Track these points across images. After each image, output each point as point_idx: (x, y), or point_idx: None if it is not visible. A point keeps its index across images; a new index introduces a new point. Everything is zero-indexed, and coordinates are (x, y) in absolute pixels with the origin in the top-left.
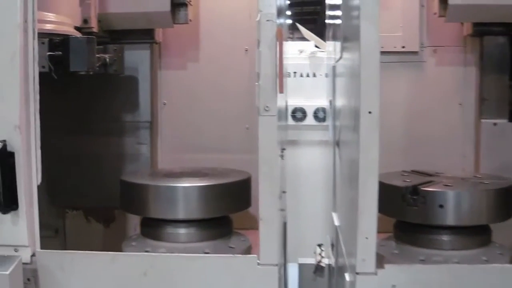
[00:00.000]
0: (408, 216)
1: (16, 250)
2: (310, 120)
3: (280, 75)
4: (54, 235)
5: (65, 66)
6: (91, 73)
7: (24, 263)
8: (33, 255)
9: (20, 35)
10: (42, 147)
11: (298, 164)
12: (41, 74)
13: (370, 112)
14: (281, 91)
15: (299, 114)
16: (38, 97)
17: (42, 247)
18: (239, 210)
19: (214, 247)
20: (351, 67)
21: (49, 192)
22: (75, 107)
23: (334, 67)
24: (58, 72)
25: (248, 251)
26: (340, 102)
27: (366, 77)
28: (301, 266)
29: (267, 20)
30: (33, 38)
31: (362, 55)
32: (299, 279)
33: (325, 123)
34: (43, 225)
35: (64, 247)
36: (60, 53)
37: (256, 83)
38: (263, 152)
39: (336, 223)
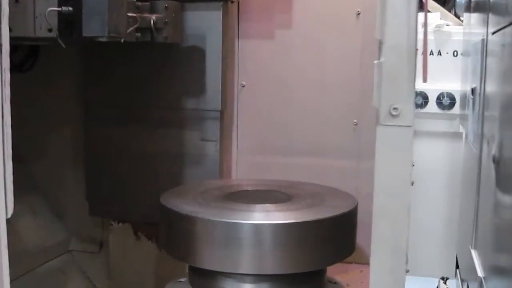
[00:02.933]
0: None
1: None
2: (432, 107)
3: (425, 55)
4: (97, 250)
5: (76, 29)
6: (121, 40)
7: None
8: None
9: None
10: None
11: (415, 161)
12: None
13: None
14: (425, 80)
15: (418, 99)
16: (8, 91)
17: (84, 265)
18: (338, 260)
19: None
20: None
21: (89, 198)
22: (120, 91)
23: (483, 44)
24: (68, 38)
25: None
26: (494, 87)
27: None
28: None
29: None
30: None
31: None
32: None
33: (450, 112)
34: (85, 238)
35: (108, 267)
36: (71, 9)
37: (376, 62)
38: (382, 190)
39: (480, 272)
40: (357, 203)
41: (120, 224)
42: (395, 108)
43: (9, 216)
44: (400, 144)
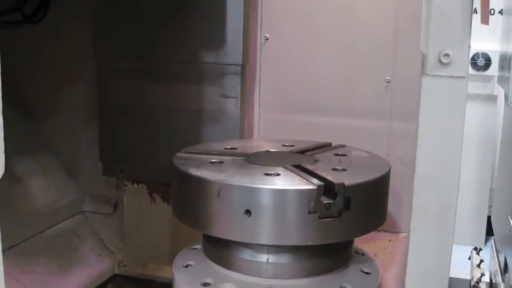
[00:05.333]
0: None
1: None
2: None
3: None
4: (111, 211)
5: None
6: None
7: None
8: None
9: None
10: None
11: None
12: None
13: None
14: (486, 21)
15: None
16: None
17: (97, 226)
18: (368, 231)
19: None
20: None
21: (103, 157)
22: (134, 43)
23: None
24: None
25: None
26: None
27: None
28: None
29: None
30: None
31: None
32: None
33: (485, 73)
34: (99, 199)
35: (121, 229)
36: None
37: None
38: (427, 155)
39: None
40: (390, 168)
41: (135, 185)
42: (446, 55)
43: (0, 176)
44: (451, 99)
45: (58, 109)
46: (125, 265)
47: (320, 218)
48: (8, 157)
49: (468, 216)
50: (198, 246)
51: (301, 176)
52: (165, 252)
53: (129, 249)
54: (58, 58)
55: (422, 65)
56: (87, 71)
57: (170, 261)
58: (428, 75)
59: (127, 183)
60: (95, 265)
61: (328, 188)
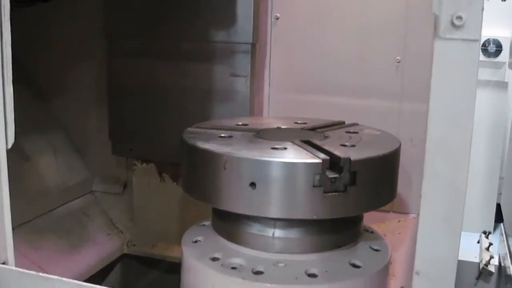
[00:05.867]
0: None
1: None
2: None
3: None
4: (121, 191)
5: None
6: None
7: None
8: None
9: None
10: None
11: None
12: None
13: None
14: None
15: None
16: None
17: (106, 206)
18: (378, 206)
19: (327, 263)
20: None
21: (112, 136)
22: (144, 21)
23: None
24: None
25: (383, 272)
26: None
27: None
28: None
29: None
30: None
31: None
32: None
33: (496, 59)
34: (108, 179)
35: (131, 208)
36: None
37: None
38: (439, 119)
39: None
40: (400, 144)
41: (144, 164)
42: (458, 17)
43: (9, 146)
44: (464, 62)
45: (67, 88)
46: (134, 245)
47: (325, 192)
48: (18, 136)
49: (478, 203)
50: (207, 223)
51: (307, 151)
52: (174, 232)
53: (138, 229)
54: (68, 36)
55: (435, 28)
56: (97, 49)
57: (179, 240)
58: (440, 38)
59: (136, 163)
60: (104, 244)
61: (334, 162)
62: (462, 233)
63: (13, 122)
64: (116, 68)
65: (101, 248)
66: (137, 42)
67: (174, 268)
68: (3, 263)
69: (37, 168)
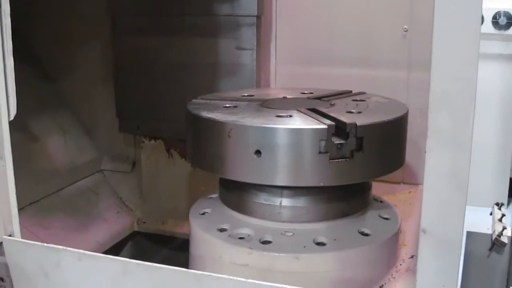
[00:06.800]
0: None
1: None
2: (487, 27)
3: None
4: (129, 170)
5: None
6: None
7: None
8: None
9: None
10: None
11: None
12: None
13: None
14: None
15: None
16: None
17: (115, 184)
18: (386, 172)
19: (335, 231)
20: None
21: (119, 114)
22: None
23: None
24: None
25: (393, 240)
26: None
27: None
28: (469, 236)
29: None
30: None
31: None
32: (465, 251)
33: (507, 32)
34: (117, 158)
35: (140, 186)
36: None
37: None
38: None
39: None
40: (408, 110)
41: (152, 141)
42: None
43: (11, 118)
44: (466, 13)
45: (74, 68)
46: (144, 222)
47: (331, 158)
48: (26, 116)
49: (490, 178)
50: (214, 196)
51: (313, 118)
52: (184, 208)
53: (148, 206)
54: (73, 16)
55: None
56: (102, 28)
57: (188, 217)
58: None
59: (144, 140)
60: (114, 222)
61: (340, 128)
62: (475, 207)
63: (14, 93)
64: (121, 46)
65: (111, 226)
66: (141, 19)
67: (185, 244)
68: (9, 236)
69: (46, 148)
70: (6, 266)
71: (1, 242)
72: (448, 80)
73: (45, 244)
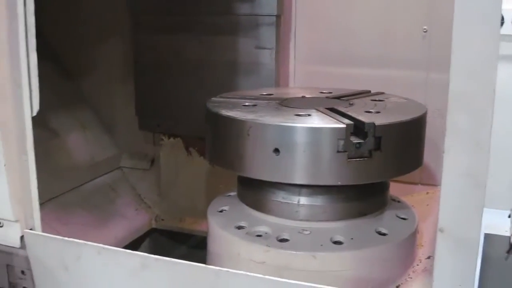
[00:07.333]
0: None
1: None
2: (508, 28)
3: None
4: (148, 167)
5: None
6: None
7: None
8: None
9: None
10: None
11: None
12: None
13: None
14: None
15: None
16: None
17: (134, 181)
18: (404, 172)
19: (352, 230)
20: None
21: (139, 112)
22: None
23: None
24: None
25: (410, 240)
26: None
27: None
28: (487, 238)
29: None
30: None
31: None
32: (482, 253)
33: None
34: (136, 155)
35: (159, 184)
36: None
37: None
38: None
39: None
40: (426, 110)
41: (171, 139)
42: None
43: (34, 113)
44: (486, 14)
45: (94, 65)
46: (162, 219)
47: (349, 158)
48: (47, 113)
49: (509, 180)
50: (232, 193)
51: (331, 117)
52: (202, 206)
53: (166, 204)
54: (94, 14)
55: None
56: (122, 26)
57: (206, 215)
58: None
59: (163, 137)
60: (133, 218)
61: (358, 128)
62: (495, 210)
63: (37, 89)
64: (141, 44)
65: (129, 222)
66: (162, 17)
67: (202, 242)
68: (31, 229)
69: (66, 145)
70: (27, 260)
71: (23, 236)
72: (467, 80)
73: (66, 238)
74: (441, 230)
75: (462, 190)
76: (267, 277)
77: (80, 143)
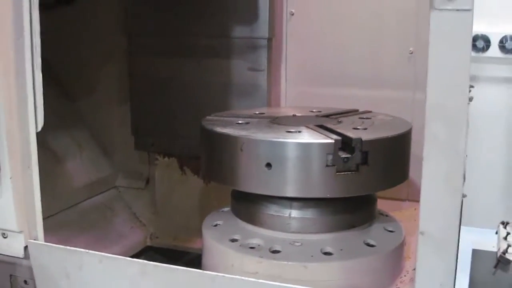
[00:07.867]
0: None
1: (4, 236)
2: (494, 51)
3: None
4: (143, 186)
5: None
6: None
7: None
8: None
9: None
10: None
11: (475, 107)
12: None
13: None
14: None
15: (480, 42)
16: None
17: (129, 200)
18: (390, 185)
19: (341, 242)
20: None
21: (134, 132)
22: (163, 19)
23: None
24: None
25: (397, 251)
26: None
27: None
28: (475, 254)
29: None
30: None
31: None
32: (471, 268)
33: None
34: (131, 174)
35: (154, 202)
36: None
37: None
38: (436, 86)
39: None
40: (411, 127)
41: (166, 158)
42: None
43: (39, 129)
44: (458, 32)
45: (91, 86)
46: (157, 237)
47: (338, 171)
48: (46, 133)
49: (498, 201)
50: (226, 209)
51: (320, 133)
52: (196, 224)
53: (161, 222)
54: (90, 36)
55: (431, 1)
56: (118, 47)
57: (201, 232)
58: (435, 9)
59: (158, 157)
60: (128, 236)
61: (346, 143)
62: (482, 229)
63: (42, 105)
64: (136, 66)
65: (124, 240)
66: (157, 39)
67: (196, 259)
68: (34, 239)
69: (63, 165)
70: (30, 270)
71: (26, 246)
72: (442, 93)
73: (68, 247)
74: (422, 233)
75: (440, 195)
76: (261, 281)
77: (77, 163)
